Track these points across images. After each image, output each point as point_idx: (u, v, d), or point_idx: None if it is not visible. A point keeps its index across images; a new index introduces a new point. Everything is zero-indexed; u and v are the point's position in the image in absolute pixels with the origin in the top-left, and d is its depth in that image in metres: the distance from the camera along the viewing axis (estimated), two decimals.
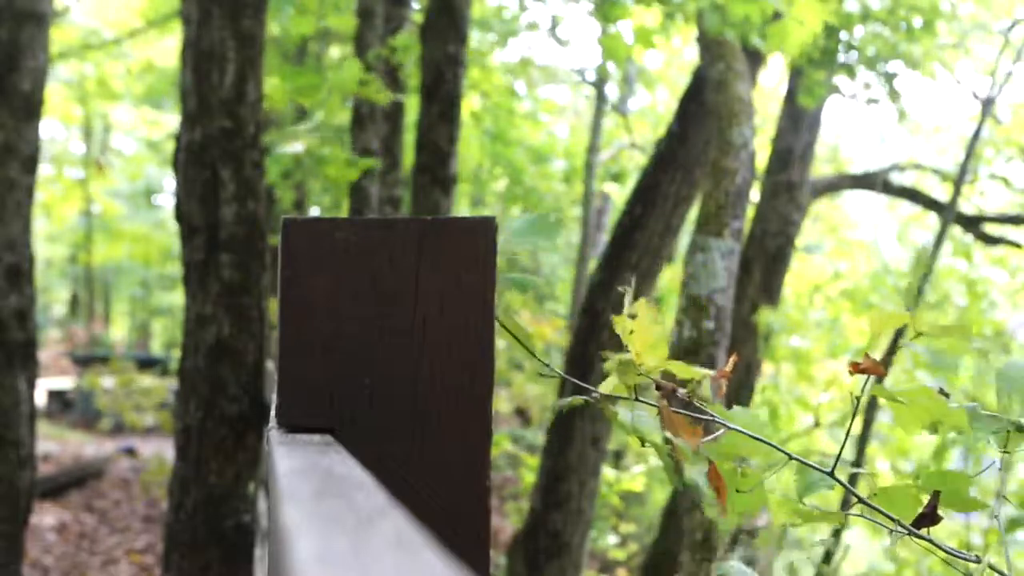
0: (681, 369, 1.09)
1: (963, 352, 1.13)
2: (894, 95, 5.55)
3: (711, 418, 1.11)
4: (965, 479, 1.14)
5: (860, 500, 1.14)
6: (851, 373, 1.10)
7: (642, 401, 1.11)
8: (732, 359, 1.15)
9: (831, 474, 1.15)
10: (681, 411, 1.08)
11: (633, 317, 1.06)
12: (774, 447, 1.13)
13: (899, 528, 1.12)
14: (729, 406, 1.18)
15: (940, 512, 1.12)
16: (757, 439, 1.13)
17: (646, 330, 1.06)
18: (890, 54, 5.37)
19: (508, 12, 9.43)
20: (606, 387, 1.11)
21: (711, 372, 1.10)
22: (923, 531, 1.13)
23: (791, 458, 1.14)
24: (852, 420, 1.19)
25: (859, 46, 5.37)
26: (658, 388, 1.08)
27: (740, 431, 1.12)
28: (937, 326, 1.11)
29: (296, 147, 4.28)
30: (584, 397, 1.13)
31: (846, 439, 1.28)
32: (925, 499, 1.14)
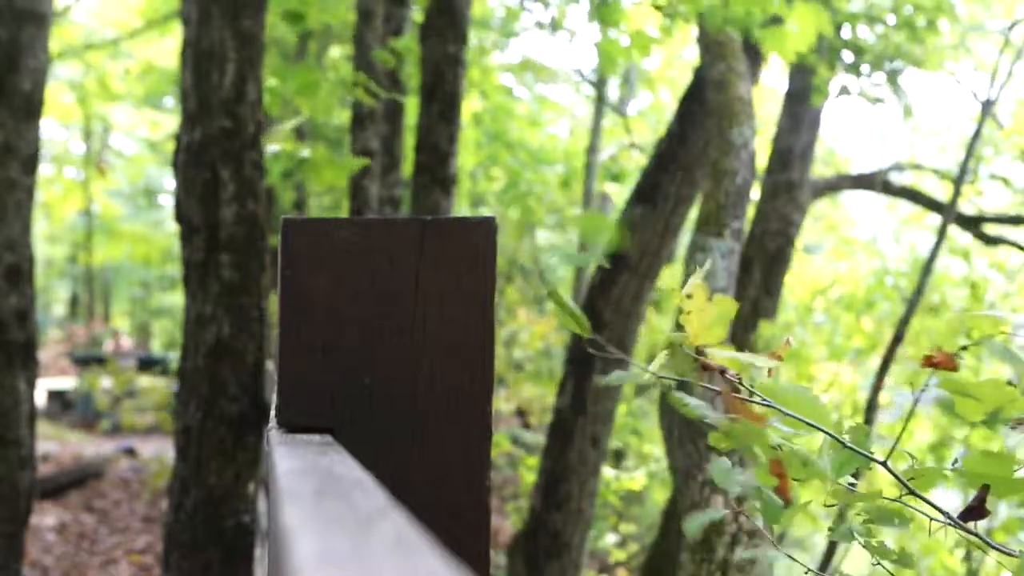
0: (736, 355, 1.08)
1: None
2: (900, 92, 5.55)
3: (763, 401, 1.10)
4: (1010, 460, 1.12)
5: (910, 491, 1.13)
6: (923, 367, 1.10)
7: (702, 385, 1.10)
8: (785, 341, 1.15)
9: (884, 463, 1.14)
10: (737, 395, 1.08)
11: (688, 298, 1.06)
12: (828, 433, 1.12)
13: (946, 519, 1.11)
14: None
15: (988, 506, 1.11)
16: (814, 426, 1.11)
17: (703, 311, 1.05)
18: (895, 53, 5.37)
19: (507, 12, 9.43)
20: (655, 366, 1.10)
21: (765, 357, 1.09)
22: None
23: (844, 446, 1.13)
24: (911, 411, 1.18)
25: (865, 46, 5.37)
26: (705, 369, 1.07)
27: (795, 417, 1.11)
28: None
29: (273, 147, 4.27)
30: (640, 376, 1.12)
31: (904, 428, 1.25)
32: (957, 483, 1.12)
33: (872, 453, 1.14)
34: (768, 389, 1.12)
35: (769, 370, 1.14)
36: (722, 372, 1.07)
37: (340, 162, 4.38)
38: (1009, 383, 1.11)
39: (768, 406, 1.10)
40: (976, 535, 1.12)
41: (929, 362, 1.10)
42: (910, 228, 11.01)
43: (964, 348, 1.10)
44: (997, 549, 1.12)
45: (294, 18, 5.10)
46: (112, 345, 17.13)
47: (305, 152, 4.45)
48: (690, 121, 5.39)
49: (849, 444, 1.13)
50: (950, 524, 1.11)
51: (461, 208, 11.00)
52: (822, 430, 1.12)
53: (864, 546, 1.22)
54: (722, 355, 1.08)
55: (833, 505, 1.16)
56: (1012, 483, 1.11)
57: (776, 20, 4.09)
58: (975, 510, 1.11)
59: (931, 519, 1.13)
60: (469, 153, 10.63)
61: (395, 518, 0.48)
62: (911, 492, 1.13)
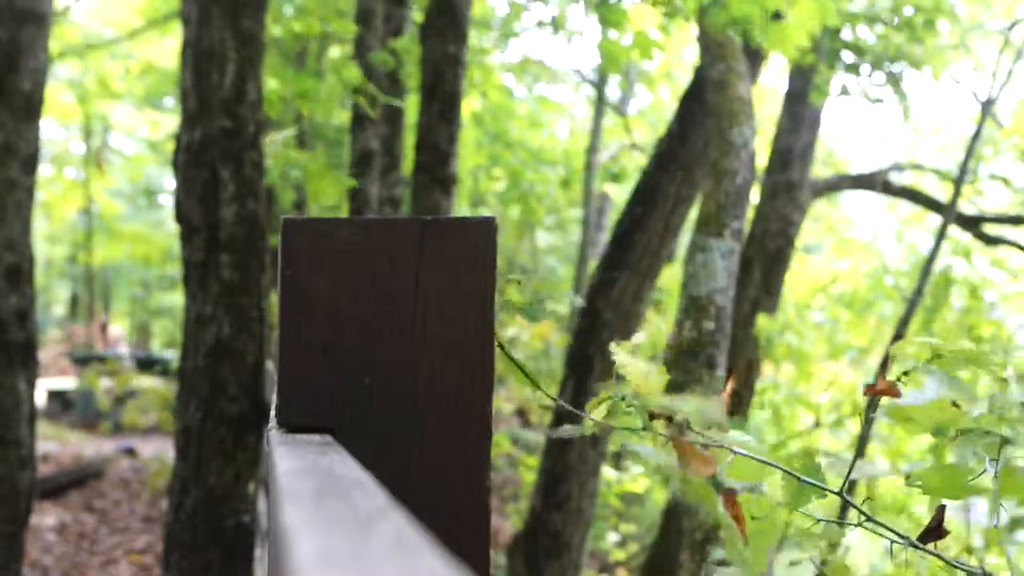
0: (679, 404, 1.09)
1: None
2: (900, 94, 5.55)
3: (716, 443, 1.10)
4: (963, 472, 1.13)
5: (868, 519, 1.14)
6: (866, 395, 1.10)
7: (655, 432, 1.10)
8: (729, 385, 1.16)
9: (840, 494, 1.15)
10: (687, 440, 1.08)
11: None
12: (782, 469, 1.12)
13: (904, 541, 1.12)
14: (730, 415, 1.18)
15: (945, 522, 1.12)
16: (767, 463, 1.12)
17: (639, 369, 1.07)
18: (895, 54, 5.37)
19: (509, 9, 9.43)
20: (598, 415, 1.11)
21: (710, 403, 1.10)
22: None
23: (799, 480, 1.13)
24: (861, 446, 1.19)
25: (865, 46, 5.37)
26: (652, 417, 1.08)
27: (752, 456, 1.11)
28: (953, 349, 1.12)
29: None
30: (587, 426, 1.13)
31: (853, 464, 1.26)
32: (922, 499, 1.13)
33: (825, 481, 1.15)
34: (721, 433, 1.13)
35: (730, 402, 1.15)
36: (669, 419, 1.08)
37: (338, 177, 4.39)
38: (954, 403, 1.12)
39: (720, 447, 1.10)
40: (936, 555, 1.12)
41: (871, 390, 1.11)
42: (910, 228, 11.01)
43: (906, 374, 1.11)
44: (956, 566, 1.13)
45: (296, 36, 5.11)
46: (101, 343, 16.95)
47: (297, 171, 4.46)
48: (690, 121, 5.39)
49: (803, 477, 1.13)
50: (910, 546, 1.12)
51: (461, 208, 10.99)
52: (775, 466, 1.12)
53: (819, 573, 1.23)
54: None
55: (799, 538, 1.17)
56: (964, 488, 1.12)
57: (777, 16, 4.08)
58: (933, 531, 1.12)
59: (892, 542, 1.13)
60: (469, 153, 10.63)
61: (395, 518, 0.48)
62: (869, 519, 1.14)
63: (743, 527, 1.10)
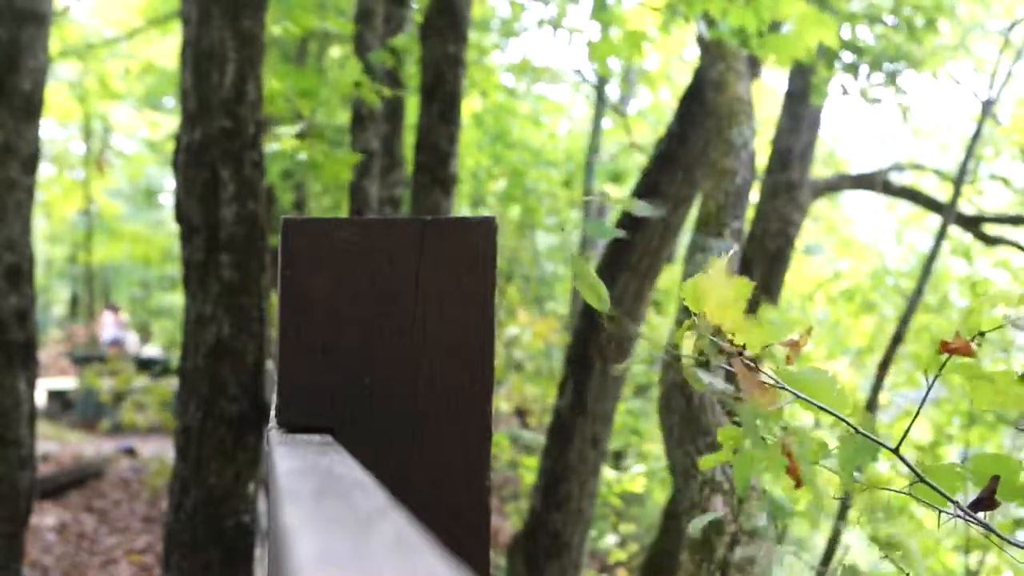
0: (756, 330, 1.08)
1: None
2: (899, 92, 5.55)
3: (779, 384, 1.10)
4: (1016, 464, 1.12)
5: (920, 479, 1.13)
6: (940, 352, 1.10)
7: (720, 365, 1.10)
8: (808, 330, 1.15)
9: (896, 451, 1.14)
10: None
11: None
12: (839, 417, 1.12)
13: (956, 511, 1.11)
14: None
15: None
16: (826, 410, 1.11)
17: (720, 290, 1.05)
18: (894, 54, 5.37)
19: (510, 8, 9.44)
20: (683, 349, 1.11)
21: (784, 336, 1.09)
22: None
23: (857, 431, 1.13)
24: (926, 394, 1.18)
25: (864, 47, 5.37)
26: (722, 351, 1.07)
27: (809, 401, 1.10)
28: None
29: (273, 146, 4.25)
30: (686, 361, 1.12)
31: (916, 414, 1.25)
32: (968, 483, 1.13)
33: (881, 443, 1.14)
34: (785, 374, 1.11)
35: (788, 357, 1.14)
36: (740, 353, 1.07)
37: (340, 158, 4.37)
38: (1022, 377, 1.11)
39: (784, 389, 1.10)
40: (986, 526, 1.12)
41: (946, 347, 1.10)
42: (910, 228, 11.01)
43: (982, 334, 1.10)
44: (1007, 541, 1.12)
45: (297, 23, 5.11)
46: (109, 328, 16.47)
47: (303, 156, 4.44)
48: (690, 121, 5.39)
49: (862, 430, 1.13)
50: (960, 515, 1.11)
51: (461, 208, 10.99)
52: (835, 414, 1.11)
53: (871, 539, 1.22)
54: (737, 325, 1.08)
55: (839, 498, 1.16)
56: (1018, 487, 1.11)
57: (775, 25, 4.07)
58: (984, 501, 1.11)
59: (940, 511, 1.13)
60: (470, 153, 10.64)
61: (395, 518, 0.48)
62: (922, 480, 1.13)
63: (796, 466, 1.10)
